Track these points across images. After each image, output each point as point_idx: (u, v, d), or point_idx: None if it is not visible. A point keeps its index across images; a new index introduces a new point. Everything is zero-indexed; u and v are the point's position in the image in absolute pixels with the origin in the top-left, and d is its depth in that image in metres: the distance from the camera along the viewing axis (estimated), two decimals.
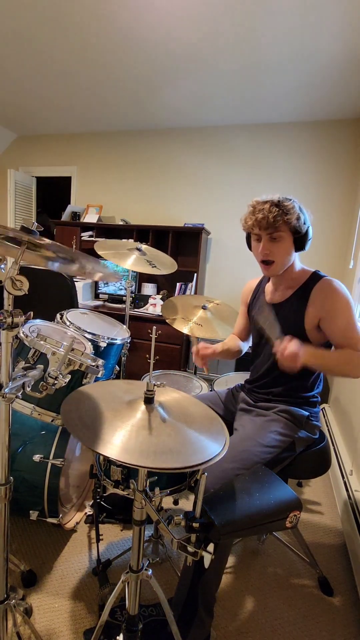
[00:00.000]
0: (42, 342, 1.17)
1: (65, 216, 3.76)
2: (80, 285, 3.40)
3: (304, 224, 1.12)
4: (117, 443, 0.69)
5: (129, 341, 1.94)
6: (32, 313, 0.83)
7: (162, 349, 2.97)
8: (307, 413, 1.19)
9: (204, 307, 1.87)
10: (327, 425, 2.41)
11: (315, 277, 1.17)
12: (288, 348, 0.99)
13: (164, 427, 0.77)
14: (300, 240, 1.13)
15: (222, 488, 0.89)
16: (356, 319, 1.11)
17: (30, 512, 1.31)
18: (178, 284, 3.34)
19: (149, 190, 3.66)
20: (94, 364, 1.25)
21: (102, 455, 0.66)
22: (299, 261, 1.23)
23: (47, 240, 0.75)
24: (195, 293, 3.27)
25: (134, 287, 3.48)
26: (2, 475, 0.84)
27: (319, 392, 1.26)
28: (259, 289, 1.37)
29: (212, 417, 0.91)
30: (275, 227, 1.09)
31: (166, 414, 0.82)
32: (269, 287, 1.32)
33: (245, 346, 1.50)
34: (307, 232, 1.13)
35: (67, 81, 2.79)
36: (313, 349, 1.06)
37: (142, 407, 0.82)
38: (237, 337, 1.48)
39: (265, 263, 1.16)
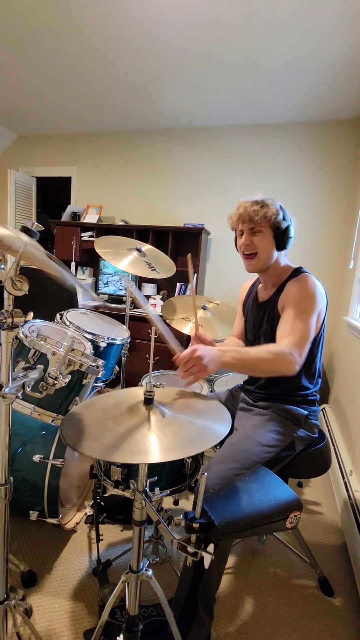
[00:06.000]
0: (42, 343, 1.17)
1: (66, 216, 3.76)
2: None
3: (284, 220, 1.15)
4: (123, 447, 0.69)
5: (128, 341, 1.94)
6: (32, 313, 0.83)
7: (162, 349, 2.95)
8: (305, 412, 1.19)
9: (204, 308, 1.87)
10: (327, 425, 2.40)
11: (295, 273, 1.19)
12: (186, 352, 0.93)
13: (170, 423, 0.77)
14: (280, 237, 1.16)
15: (222, 488, 0.89)
16: (311, 319, 1.07)
17: (30, 512, 1.31)
18: (178, 284, 3.34)
19: (149, 190, 3.67)
20: (94, 364, 1.25)
21: (123, 462, 0.66)
22: (286, 260, 1.25)
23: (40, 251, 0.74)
24: (196, 293, 3.27)
25: (134, 287, 3.47)
26: (2, 475, 0.84)
27: (317, 390, 1.26)
28: (253, 289, 1.39)
29: (211, 403, 0.91)
30: (255, 221, 1.14)
31: (168, 410, 0.82)
32: (260, 287, 1.33)
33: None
34: (287, 230, 1.16)
35: (67, 81, 2.80)
36: (227, 348, 1.00)
37: (143, 409, 0.82)
38: (236, 339, 1.48)
39: (248, 257, 1.20)
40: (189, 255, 1.13)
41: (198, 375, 0.95)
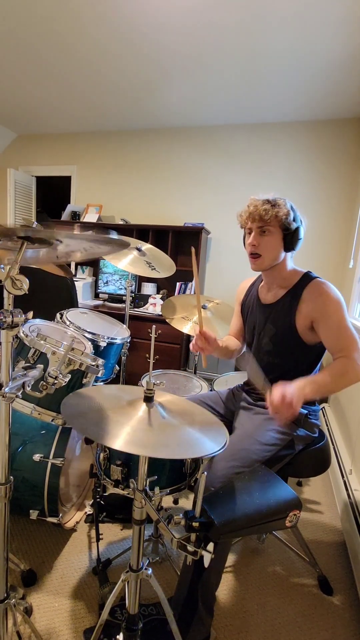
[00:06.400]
0: (42, 342, 1.17)
1: (65, 216, 3.76)
2: (80, 285, 3.40)
3: (294, 221, 1.14)
4: (122, 436, 0.69)
5: (128, 341, 1.94)
6: (32, 312, 0.83)
7: (162, 348, 2.97)
8: (305, 411, 1.19)
9: (204, 307, 1.87)
10: (326, 425, 2.41)
11: (306, 278, 1.18)
12: (277, 399, 0.94)
13: (166, 423, 0.78)
14: (289, 238, 1.15)
15: (221, 487, 0.89)
16: (348, 322, 1.10)
17: (30, 511, 1.31)
18: (178, 284, 3.34)
19: (148, 189, 3.66)
20: (94, 363, 1.26)
21: (108, 447, 0.66)
22: (292, 262, 1.24)
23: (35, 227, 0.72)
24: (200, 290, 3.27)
25: (134, 286, 3.48)
26: (2, 474, 0.84)
27: None
28: (252, 289, 1.38)
29: (210, 418, 0.91)
30: (265, 221, 1.13)
31: (166, 413, 0.83)
32: (262, 287, 1.33)
33: (244, 346, 1.50)
34: (296, 231, 1.15)
35: (66, 81, 2.79)
36: (304, 382, 1.01)
37: (143, 405, 0.82)
38: (233, 337, 1.48)
39: (253, 256, 1.19)
40: (193, 250, 1.12)
41: (289, 417, 0.97)
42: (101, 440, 0.66)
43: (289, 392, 0.94)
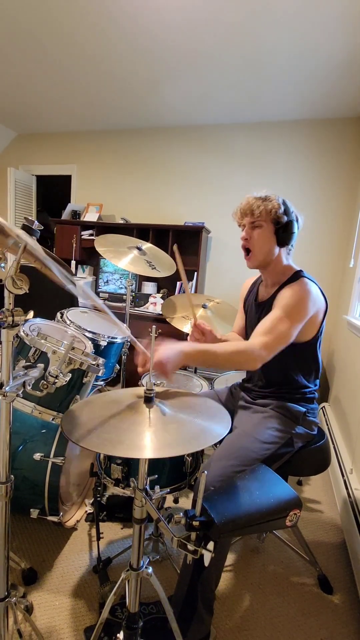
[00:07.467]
0: (42, 341, 1.17)
1: (66, 215, 3.76)
2: (80, 284, 3.40)
3: (285, 214, 1.14)
4: (126, 442, 0.69)
5: (129, 340, 1.94)
6: (32, 312, 0.83)
7: None
8: (303, 409, 1.20)
9: (204, 306, 1.87)
10: (327, 424, 2.41)
11: (295, 276, 1.17)
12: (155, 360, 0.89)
13: (171, 421, 0.78)
14: (281, 232, 1.15)
15: (222, 486, 0.90)
16: (293, 327, 1.04)
17: (31, 510, 1.31)
18: (178, 283, 3.34)
19: (149, 188, 3.66)
20: (94, 362, 1.26)
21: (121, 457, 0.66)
22: (289, 259, 1.24)
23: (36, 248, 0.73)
24: (196, 292, 3.27)
25: (134, 286, 3.48)
26: (2, 473, 0.84)
27: (317, 389, 1.26)
28: (254, 287, 1.39)
29: (210, 404, 0.91)
30: (255, 215, 1.13)
31: (169, 409, 0.83)
32: (262, 285, 1.34)
33: None
34: (288, 225, 1.14)
35: (66, 79, 2.79)
36: (191, 348, 0.97)
37: (144, 407, 0.82)
38: (237, 334, 1.48)
39: (247, 252, 1.20)
40: (176, 247, 1.13)
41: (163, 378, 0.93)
42: (105, 450, 0.66)
43: (164, 355, 0.91)
